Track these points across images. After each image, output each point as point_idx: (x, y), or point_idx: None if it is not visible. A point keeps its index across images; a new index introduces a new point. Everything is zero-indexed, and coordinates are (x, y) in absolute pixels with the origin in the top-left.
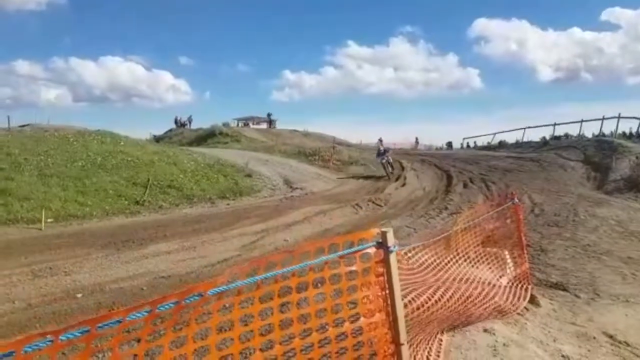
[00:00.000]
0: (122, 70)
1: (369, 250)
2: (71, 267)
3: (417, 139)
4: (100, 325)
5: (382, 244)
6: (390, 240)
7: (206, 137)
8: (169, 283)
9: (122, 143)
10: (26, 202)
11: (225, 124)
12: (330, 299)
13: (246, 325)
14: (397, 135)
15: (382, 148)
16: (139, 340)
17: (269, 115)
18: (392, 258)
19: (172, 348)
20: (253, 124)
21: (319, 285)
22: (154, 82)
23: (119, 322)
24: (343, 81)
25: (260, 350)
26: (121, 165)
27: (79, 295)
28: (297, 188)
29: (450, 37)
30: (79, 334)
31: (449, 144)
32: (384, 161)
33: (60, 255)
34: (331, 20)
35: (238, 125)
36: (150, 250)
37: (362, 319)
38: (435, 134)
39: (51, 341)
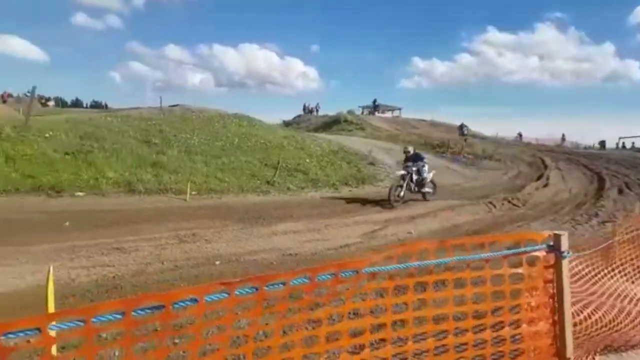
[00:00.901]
0: (259, 57)
1: (537, 254)
2: (211, 236)
3: (563, 135)
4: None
5: (553, 248)
6: (565, 244)
7: (331, 124)
8: (296, 260)
9: (256, 126)
10: (174, 174)
11: (351, 112)
12: (490, 300)
13: (399, 313)
14: (540, 130)
15: (410, 150)
16: (283, 312)
17: (462, 126)
18: (565, 264)
19: (331, 323)
20: (378, 112)
21: (478, 283)
22: (285, 69)
23: (283, 284)
24: (479, 69)
25: (413, 341)
26: (255, 147)
27: (217, 263)
28: None
29: (606, 25)
30: (250, 291)
31: (602, 143)
32: (401, 173)
33: (202, 225)
34: (469, 5)
35: (363, 113)
36: (279, 228)
37: (524, 325)
38: (585, 131)
39: (227, 294)
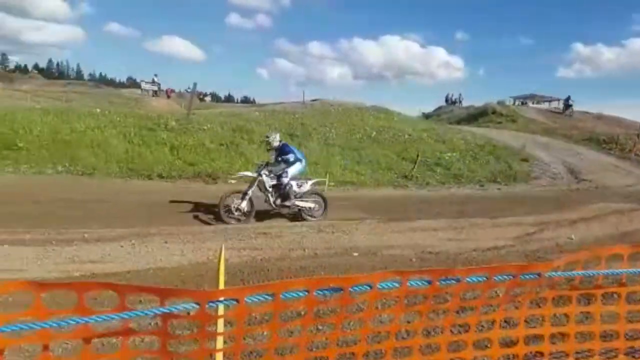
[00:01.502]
0: (399, 48)
1: None
2: (348, 228)
3: None
4: (440, 279)
5: None
6: None
7: (477, 116)
8: (437, 259)
9: (394, 119)
10: (314, 166)
11: (500, 103)
12: None
13: (582, 323)
14: None
15: (271, 139)
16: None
17: None
18: None
19: (504, 327)
20: (533, 103)
21: None
22: (427, 59)
23: (458, 280)
24: None
25: (599, 354)
26: (393, 140)
27: (355, 254)
28: (584, 180)
29: None
30: (422, 284)
31: None
32: (245, 174)
33: (339, 216)
34: None
35: (515, 104)
36: (418, 224)
37: None
38: None
39: (399, 283)
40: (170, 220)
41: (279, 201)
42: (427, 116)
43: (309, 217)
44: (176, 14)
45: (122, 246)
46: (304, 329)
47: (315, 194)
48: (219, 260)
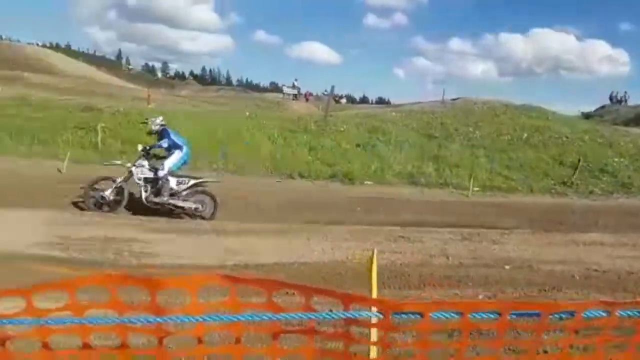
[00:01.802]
0: (552, 42)
1: None
2: (498, 237)
3: None
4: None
5: None
6: None
7: None
8: (603, 278)
9: (549, 119)
10: (455, 169)
11: None
12: None
13: None
14: None
15: (151, 122)
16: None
17: None
18: None
19: None
20: None
21: None
22: (585, 52)
23: None
24: None
25: None
26: (547, 142)
27: (507, 267)
28: None
29: None
30: (635, 314)
31: None
32: (120, 179)
33: (486, 223)
34: None
35: None
36: (580, 237)
37: None
38: None
39: (572, 315)
40: (312, 218)
41: (151, 197)
42: (587, 116)
43: (181, 211)
44: (315, 19)
45: (271, 240)
46: (492, 350)
47: (203, 192)
48: (371, 265)
